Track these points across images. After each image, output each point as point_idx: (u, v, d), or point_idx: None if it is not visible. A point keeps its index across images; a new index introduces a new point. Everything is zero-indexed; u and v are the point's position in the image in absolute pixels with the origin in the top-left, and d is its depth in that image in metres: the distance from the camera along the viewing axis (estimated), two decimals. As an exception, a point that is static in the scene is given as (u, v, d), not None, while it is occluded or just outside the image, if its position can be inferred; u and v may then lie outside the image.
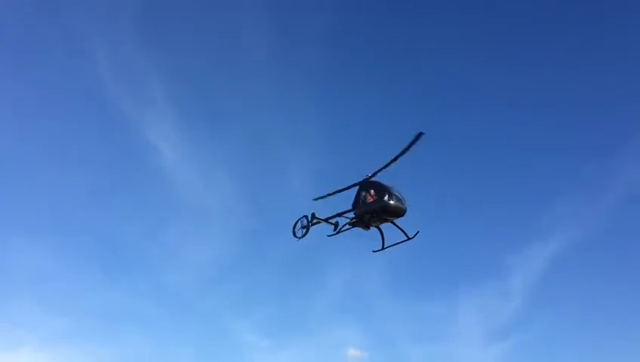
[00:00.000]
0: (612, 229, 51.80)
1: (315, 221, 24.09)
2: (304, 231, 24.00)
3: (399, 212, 22.82)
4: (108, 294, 43.46)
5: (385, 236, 24.13)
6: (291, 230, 24.05)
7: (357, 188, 23.95)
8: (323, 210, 24.20)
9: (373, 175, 23.86)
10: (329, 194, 24.56)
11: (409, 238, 23.57)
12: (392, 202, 22.48)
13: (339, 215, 24.17)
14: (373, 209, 22.86)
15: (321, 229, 24.27)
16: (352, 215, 23.83)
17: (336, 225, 24.11)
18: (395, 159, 22.72)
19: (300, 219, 24.19)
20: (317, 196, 24.71)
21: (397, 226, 23.62)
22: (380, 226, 23.74)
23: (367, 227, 23.62)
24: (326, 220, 24.16)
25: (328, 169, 46.99)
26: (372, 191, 22.97)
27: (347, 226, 23.88)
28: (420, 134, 22.09)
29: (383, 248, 24.05)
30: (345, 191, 24.55)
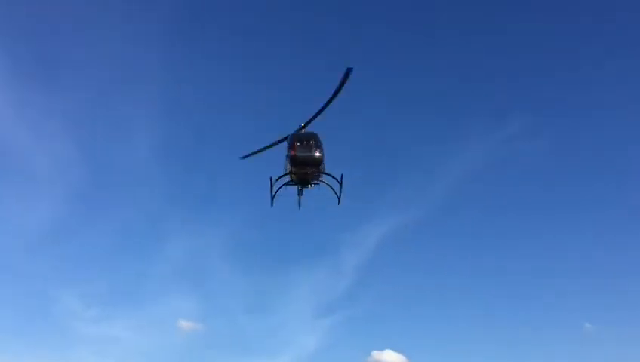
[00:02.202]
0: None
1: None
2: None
3: (307, 160, 19.67)
4: None
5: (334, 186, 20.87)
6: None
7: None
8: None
9: (307, 124, 20.66)
10: (257, 152, 22.71)
11: (340, 183, 20.71)
12: (296, 153, 19.83)
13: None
14: (288, 163, 20.62)
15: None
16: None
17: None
18: (329, 103, 20.15)
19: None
20: (245, 154, 22.69)
21: (324, 182, 21.16)
22: (317, 180, 21.04)
23: (304, 183, 20.68)
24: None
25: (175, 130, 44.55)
26: (288, 145, 20.70)
27: (281, 187, 21.00)
28: (349, 70, 19.85)
29: (339, 199, 21.09)
30: (276, 147, 22.05)
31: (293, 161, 19.84)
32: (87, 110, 42.64)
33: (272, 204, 20.07)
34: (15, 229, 39.89)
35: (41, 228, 39.04)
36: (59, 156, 40.62)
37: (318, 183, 21.32)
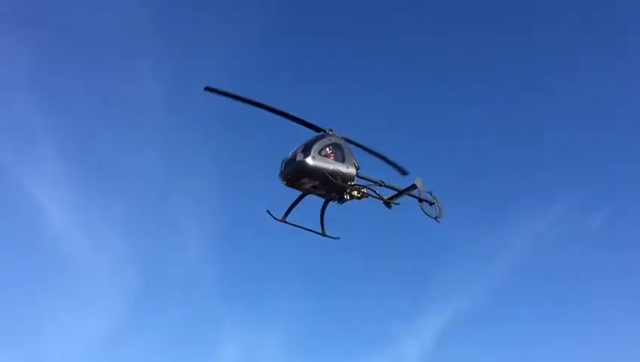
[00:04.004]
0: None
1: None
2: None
3: (288, 172, 15.52)
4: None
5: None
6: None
7: None
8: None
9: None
10: None
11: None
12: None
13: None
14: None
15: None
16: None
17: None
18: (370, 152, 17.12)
19: None
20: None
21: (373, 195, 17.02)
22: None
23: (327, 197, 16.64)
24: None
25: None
26: None
27: (324, 212, 16.97)
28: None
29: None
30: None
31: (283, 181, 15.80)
32: (141, 215, 41.73)
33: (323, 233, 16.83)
34: (75, 336, 39.94)
35: (100, 333, 38.43)
36: (116, 261, 39.92)
37: (356, 197, 16.25)
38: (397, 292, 44.38)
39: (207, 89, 15.48)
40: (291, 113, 15.96)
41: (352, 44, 49.81)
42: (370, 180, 16.57)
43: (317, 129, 16.14)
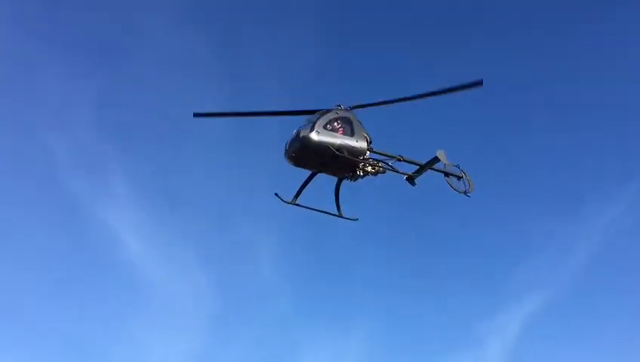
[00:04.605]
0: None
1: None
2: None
3: (292, 150, 14.49)
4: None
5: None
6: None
7: None
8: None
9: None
10: None
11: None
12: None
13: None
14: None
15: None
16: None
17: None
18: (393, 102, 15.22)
19: None
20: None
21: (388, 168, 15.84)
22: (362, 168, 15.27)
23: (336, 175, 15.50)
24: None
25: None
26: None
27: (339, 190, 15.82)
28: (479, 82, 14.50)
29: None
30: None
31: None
32: (213, 237, 41.83)
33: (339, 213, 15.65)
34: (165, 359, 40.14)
35: (188, 355, 38.42)
36: (193, 282, 40.06)
37: (371, 173, 15.00)
38: (476, 291, 42.76)
39: (196, 115, 15.76)
40: (288, 109, 15.37)
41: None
42: (387, 155, 15.39)
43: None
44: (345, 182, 15.38)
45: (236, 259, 42.71)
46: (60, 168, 39.43)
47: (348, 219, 15.56)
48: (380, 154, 15.21)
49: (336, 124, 14.39)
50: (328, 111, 14.59)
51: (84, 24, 43.00)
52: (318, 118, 14.22)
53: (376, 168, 14.92)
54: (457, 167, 16.57)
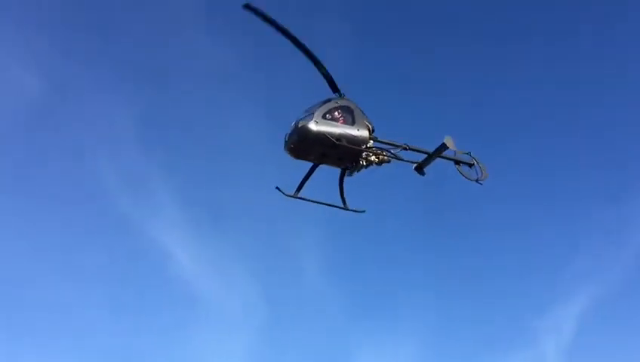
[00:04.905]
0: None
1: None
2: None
3: (291, 141, 14.27)
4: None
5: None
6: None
7: None
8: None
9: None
10: None
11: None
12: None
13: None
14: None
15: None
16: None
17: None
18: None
19: None
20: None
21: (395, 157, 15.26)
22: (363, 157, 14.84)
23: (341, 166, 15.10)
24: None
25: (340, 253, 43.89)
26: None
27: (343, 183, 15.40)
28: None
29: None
30: None
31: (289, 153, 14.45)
32: (259, 246, 42.01)
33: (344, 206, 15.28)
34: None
35: None
36: (244, 295, 40.52)
37: (374, 162, 14.59)
38: (528, 287, 42.01)
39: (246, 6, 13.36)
40: (320, 61, 14.03)
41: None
42: (392, 143, 14.91)
43: (333, 87, 14.52)
44: (365, 173, 14.87)
45: (283, 267, 43.22)
46: (108, 190, 40.90)
47: (354, 211, 15.15)
48: (384, 143, 14.76)
49: (336, 113, 14.03)
50: (328, 100, 14.24)
51: (120, 46, 44.50)
52: (317, 108, 13.89)
53: (380, 157, 14.48)
54: (469, 154, 15.96)
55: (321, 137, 13.60)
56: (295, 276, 42.25)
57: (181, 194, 42.34)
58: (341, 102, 14.30)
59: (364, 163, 14.35)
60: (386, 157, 14.59)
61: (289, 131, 13.97)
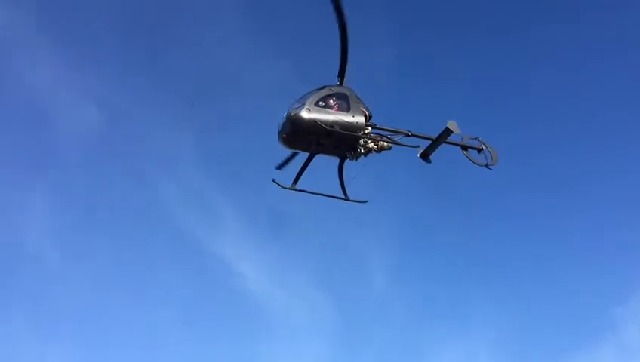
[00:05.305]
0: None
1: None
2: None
3: (278, 139, 14.09)
4: None
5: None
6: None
7: None
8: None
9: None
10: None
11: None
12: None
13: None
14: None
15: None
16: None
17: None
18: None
19: None
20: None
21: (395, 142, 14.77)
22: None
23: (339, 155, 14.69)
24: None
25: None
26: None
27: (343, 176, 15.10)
28: None
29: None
30: None
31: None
32: (322, 254, 41.91)
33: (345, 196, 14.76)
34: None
35: None
36: (311, 303, 40.52)
37: (374, 150, 13.98)
38: (605, 275, 41.10)
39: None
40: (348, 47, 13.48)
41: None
42: (392, 130, 14.36)
43: (341, 74, 13.87)
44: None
45: (348, 272, 43.23)
46: (170, 209, 42.05)
47: (356, 201, 14.60)
48: (383, 129, 14.22)
49: (331, 101, 13.54)
50: (322, 88, 13.73)
51: (173, 70, 45.57)
52: (309, 96, 13.43)
53: (380, 144, 13.92)
54: (477, 139, 15.40)
55: (314, 125, 13.15)
56: (361, 278, 42.09)
57: (240, 209, 43.07)
58: (336, 90, 13.83)
59: (362, 150, 13.82)
60: (385, 144, 14.03)
61: (281, 121, 13.56)
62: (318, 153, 14.06)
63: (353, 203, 14.59)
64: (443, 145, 14.77)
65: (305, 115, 13.16)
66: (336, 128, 13.24)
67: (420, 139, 14.59)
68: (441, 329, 40.08)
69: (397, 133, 14.36)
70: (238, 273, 42.05)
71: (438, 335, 39.44)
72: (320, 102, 13.40)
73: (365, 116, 13.79)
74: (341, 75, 13.92)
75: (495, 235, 43.82)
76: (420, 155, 14.73)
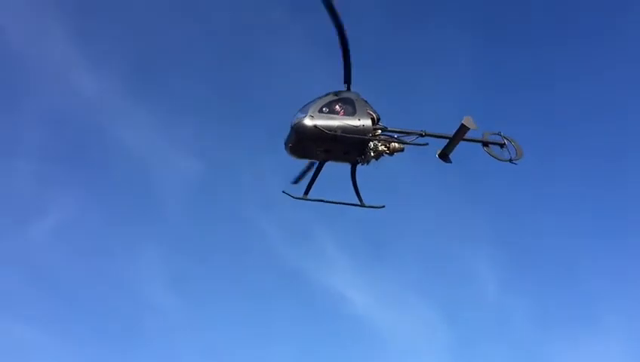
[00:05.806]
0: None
1: None
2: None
3: (285, 149, 14.12)
4: None
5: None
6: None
7: None
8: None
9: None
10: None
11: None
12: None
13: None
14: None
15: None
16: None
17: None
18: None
19: None
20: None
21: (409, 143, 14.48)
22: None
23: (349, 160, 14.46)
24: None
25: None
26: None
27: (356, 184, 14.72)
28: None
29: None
30: None
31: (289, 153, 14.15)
32: (427, 270, 41.41)
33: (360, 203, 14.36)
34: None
35: None
36: (423, 321, 39.92)
37: (385, 152, 13.53)
38: None
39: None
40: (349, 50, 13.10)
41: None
42: (405, 132, 13.92)
43: (347, 79, 13.57)
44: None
45: (456, 285, 42.57)
46: (274, 244, 43.57)
47: (372, 207, 14.17)
48: (395, 131, 13.81)
49: (337, 106, 13.28)
50: (326, 94, 13.51)
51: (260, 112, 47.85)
52: (312, 103, 13.25)
53: (391, 146, 13.49)
54: (499, 134, 14.78)
55: (317, 131, 12.93)
56: (471, 290, 41.24)
57: (341, 237, 43.80)
58: (342, 95, 13.58)
59: (373, 154, 13.42)
60: (397, 145, 13.60)
61: (288, 132, 13.46)
62: (328, 160, 13.79)
63: (370, 208, 14.12)
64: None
65: (308, 122, 12.97)
66: (340, 133, 12.97)
67: (436, 138, 14.09)
68: (568, 333, 38.00)
69: (410, 134, 13.92)
70: (349, 300, 42.41)
71: (565, 341, 37.41)
72: (324, 109, 13.18)
73: (373, 119, 13.46)
74: (347, 79, 13.66)
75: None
76: (439, 155, 14.21)
